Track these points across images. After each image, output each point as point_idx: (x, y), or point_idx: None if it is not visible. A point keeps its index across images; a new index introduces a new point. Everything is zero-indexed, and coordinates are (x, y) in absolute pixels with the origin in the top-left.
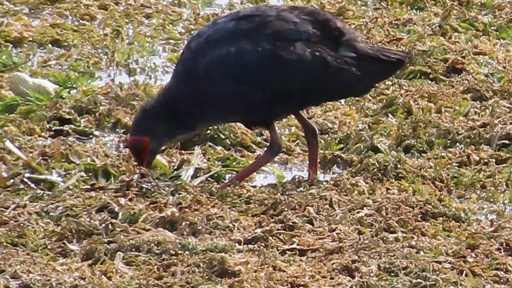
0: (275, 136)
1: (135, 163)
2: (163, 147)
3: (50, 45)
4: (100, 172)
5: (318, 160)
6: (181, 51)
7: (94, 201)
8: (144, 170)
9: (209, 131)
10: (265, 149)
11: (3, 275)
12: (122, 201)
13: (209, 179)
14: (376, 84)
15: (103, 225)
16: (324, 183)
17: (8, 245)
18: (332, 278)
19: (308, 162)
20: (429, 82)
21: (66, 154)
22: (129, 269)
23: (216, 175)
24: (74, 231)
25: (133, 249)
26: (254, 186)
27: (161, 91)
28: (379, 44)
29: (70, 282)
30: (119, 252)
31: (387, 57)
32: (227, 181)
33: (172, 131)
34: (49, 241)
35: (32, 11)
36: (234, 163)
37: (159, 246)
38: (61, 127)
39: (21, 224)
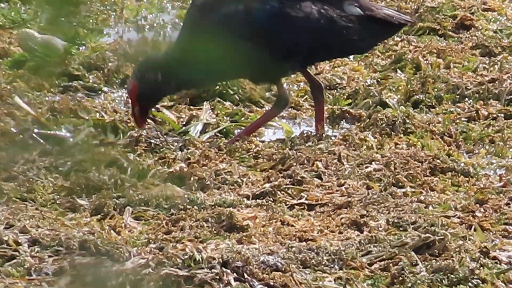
0: (282, 90)
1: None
2: (168, 97)
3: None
4: (109, 128)
5: (327, 116)
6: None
7: (103, 156)
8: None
9: (217, 87)
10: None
11: (12, 229)
12: (131, 156)
13: (217, 134)
14: (380, 42)
15: (112, 180)
16: (333, 138)
17: (17, 200)
18: (340, 233)
19: (315, 118)
20: (438, 38)
21: (75, 110)
22: (138, 224)
23: (224, 130)
24: (83, 186)
25: (142, 204)
26: (262, 141)
27: (170, 47)
28: (387, 0)
29: (79, 237)
30: (128, 207)
31: (390, 18)
32: (235, 136)
33: (175, 82)
34: (58, 196)
35: None
36: (243, 118)
37: (167, 201)
38: (70, 83)
39: (30, 179)
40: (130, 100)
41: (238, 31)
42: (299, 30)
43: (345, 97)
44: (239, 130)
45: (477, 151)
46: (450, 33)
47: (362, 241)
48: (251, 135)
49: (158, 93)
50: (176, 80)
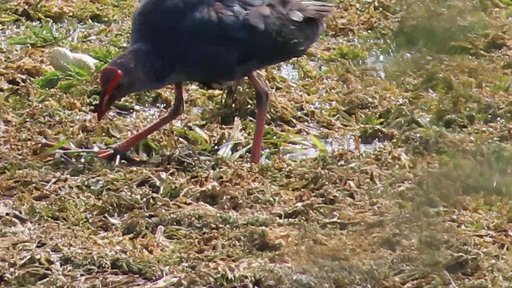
0: (259, 85)
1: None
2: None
3: (90, 20)
4: (141, 147)
5: (359, 134)
6: (145, 9)
7: (135, 175)
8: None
9: (249, 106)
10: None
11: (44, 248)
12: (163, 175)
13: (248, 153)
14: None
15: (144, 199)
16: (365, 156)
17: (49, 218)
18: (373, 252)
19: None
20: (470, 57)
21: (107, 129)
22: (170, 243)
23: None
24: (115, 205)
25: (174, 223)
26: (294, 160)
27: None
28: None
29: (111, 256)
30: (160, 226)
31: (320, 14)
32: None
33: (143, 80)
34: (90, 215)
35: None
36: (274, 137)
37: (200, 220)
38: None
39: (62, 198)
40: (103, 87)
41: (213, 36)
42: (263, 34)
43: (377, 116)
44: (267, 150)
45: (509, 171)
46: (482, 52)
47: (395, 260)
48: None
49: (138, 86)
50: (154, 72)
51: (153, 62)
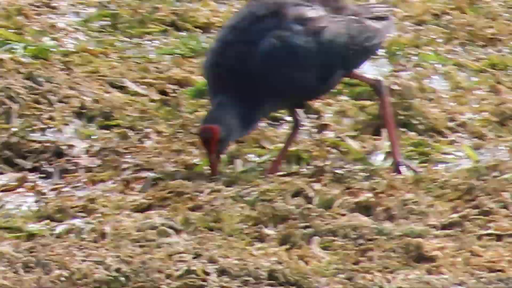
0: (366, 78)
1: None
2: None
3: None
4: (293, 158)
5: None
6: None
7: (288, 185)
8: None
9: (401, 117)
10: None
11: (200, 259)
12: (316, 186)
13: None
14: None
15: (299, 209)
16: None
17: (204, 229)
18: None
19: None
20: None
21: (258, 140)
22: (325, 254)
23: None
24: (270, 216)
25: (330, 234)
26: (448, 171)
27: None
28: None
29: (267, 267)
30: (315, 237)
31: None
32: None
33: (238, 126)
34: (245, 226)
35: None
36: (426, 148)
37: (355, 231)
38: None
39: (217, 209)
40: (206, 147)
41: (283, 64)
42: (331, 45)
43: None
44: (415, 160)
45: None
46: None
47: None
48: None
49: (236, 132)
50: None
51: (240, 108)
